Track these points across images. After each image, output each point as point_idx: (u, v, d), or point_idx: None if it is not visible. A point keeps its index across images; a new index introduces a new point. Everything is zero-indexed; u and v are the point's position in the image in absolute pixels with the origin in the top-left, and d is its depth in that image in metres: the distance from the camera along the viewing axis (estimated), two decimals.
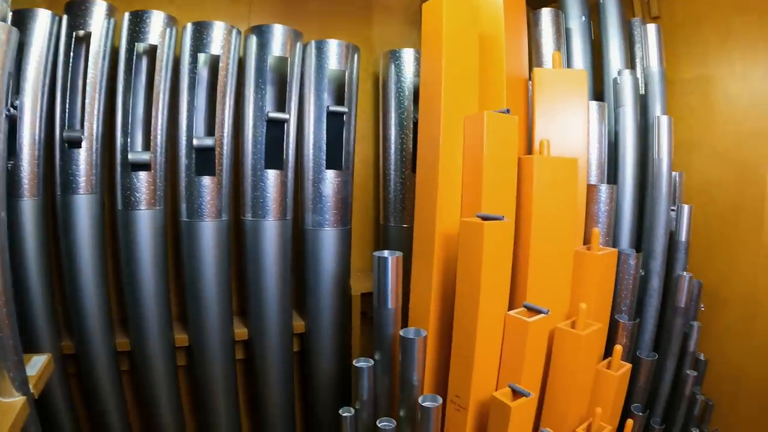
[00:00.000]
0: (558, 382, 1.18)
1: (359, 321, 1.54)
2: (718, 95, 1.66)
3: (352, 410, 1.25)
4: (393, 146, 1.54)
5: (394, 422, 1.20)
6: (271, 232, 1.41)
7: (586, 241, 1.35)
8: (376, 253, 1.17)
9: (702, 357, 1.54)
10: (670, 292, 1.46)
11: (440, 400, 1.12)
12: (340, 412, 1.23)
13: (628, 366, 1.25)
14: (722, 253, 1.66)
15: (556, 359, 1.17)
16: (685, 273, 1.42)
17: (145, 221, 1.35)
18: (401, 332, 1.14)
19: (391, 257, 1.16)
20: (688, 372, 1.41)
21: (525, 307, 1.14)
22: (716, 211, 1.67)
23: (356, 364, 1.21)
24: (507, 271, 1.12)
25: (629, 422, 1.23)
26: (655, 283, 1.43)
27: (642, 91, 1.65)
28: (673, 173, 1.54)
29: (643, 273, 1.43)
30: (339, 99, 1.48)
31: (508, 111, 1.13)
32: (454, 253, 1.14)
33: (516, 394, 1.08)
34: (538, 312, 1.11)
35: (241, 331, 1.46)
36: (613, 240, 1.43)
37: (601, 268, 1.24)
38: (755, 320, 1.61)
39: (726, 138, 1.64)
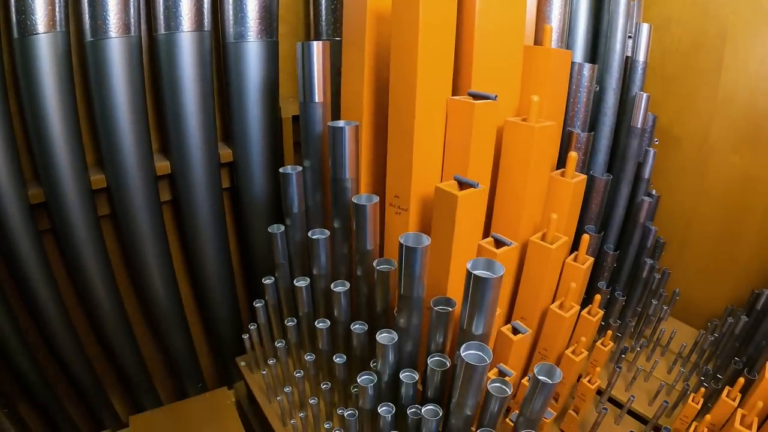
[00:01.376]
0: (509, 184, 1.07)
1: (291, 149, 1.38)
2: None
3: (282, 227, 1.12)
4: None
5: (328, 232, 1.07)
6: (187, 47, 1.20)
7: (537, 42, 1.22)
8: (299, 44, 1.01)
9: (654, 192, 1.48)
10: (626, 113, 1.36)
11: (376, 198, 1.00)
12: (269, 228, 1.10)
13: (583, 177, 1.15)
14: (678, 92, 1.58)
15: (507, 156, 1.06)
16: (642, 93, 1.32)
17: (45, 48, 1.11)
18: (330, 124, 0.99)
19: (316, 44, 1.00)
20: (643, 198, 1.35)
21: (470, 94, 1.01)
22: (674, 47, 1.58)
23: (283, 171, 1.07)
24: (449, 51, 0.98)
25: (597, 297, 1.16)
26: (611, 100, 1.33)
27: None
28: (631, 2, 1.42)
29: (597, 89, 1.33)
30: None
31: None
32: (388, 32, 0.98)
33: (463, 185, 0.97)
34: (485, 98, 0.99)
35: (162, 165, 1.28)
36: (566, 47, 1.31)
37: (554, 65, 1.12)
38: (708, 163, 1.56)
39: None
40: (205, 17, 1.22)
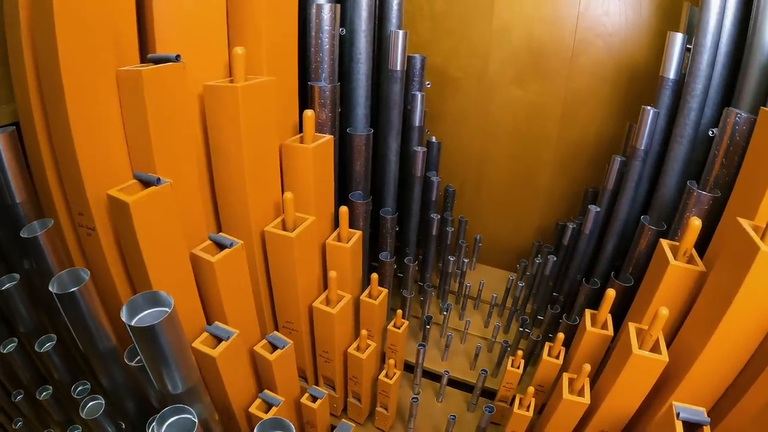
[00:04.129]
0: (223, 164, 0.83)
1: None
2: None
3: None
4: None
5: None
6: None
7: None
8: None
9: (434, 139, 1.36)
10: (383, 56, 1.19)
11: (50, 222, 0.69)
12: None
13: (327, 138, 0.95)
14: (451, 30, 1.45)
15: (215, 129, 0.81)
16: (398, 30, 1.14)
17: None
18: None
19: None
20: (415, 149, 1.20)
21: (150, 60, 0.73)
22: None
23: None
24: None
25: (374, 277, 0.99)
26: (362, 44, 1.14)
27: None
28: None
29: (343, 32, 1.13)
30: None
31: None
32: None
33: (147, 184, 0.70)
34: (165, 61, 0.71)
35: None
36: None
37: (270, 6, 0.87)
38: (491, 99, 1.46)
39: None
40: None
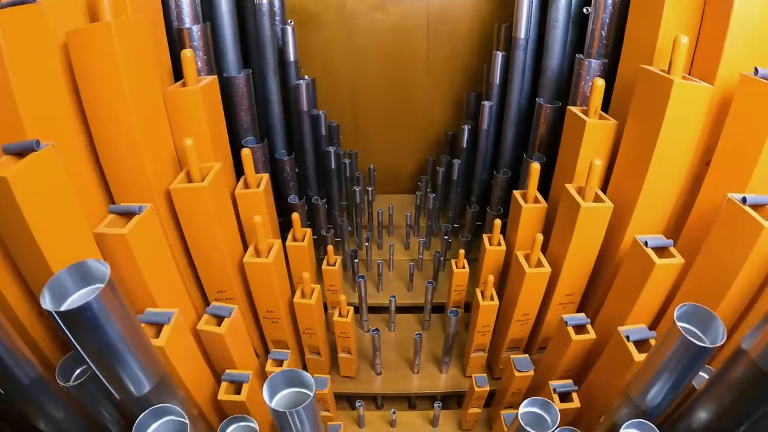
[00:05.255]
0: (105, 120, 0.65)
1: None
2: None
3: None
4: None
5: None
6: None
7: None
8: None
9: (306, 78, 1.26)
10: None
11: None
12: None
13: (211, 78, 0.82)
14: None
15: (86, 82, 0.63)
16: None
17: None
18: None
19: None
20: (298, 82, 1.09)
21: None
22: None
23: None
24: None
25: (295, 217, 0.88)
26: None
27: None
28: None
29: None
30: None
31: None
32: None
33: (21, 154, 0.51)
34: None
35: None
36: None
37: None
38: (353, 28, 1.39)
39: None
40: None
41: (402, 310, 1.15)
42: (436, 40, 1.39)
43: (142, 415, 0.48)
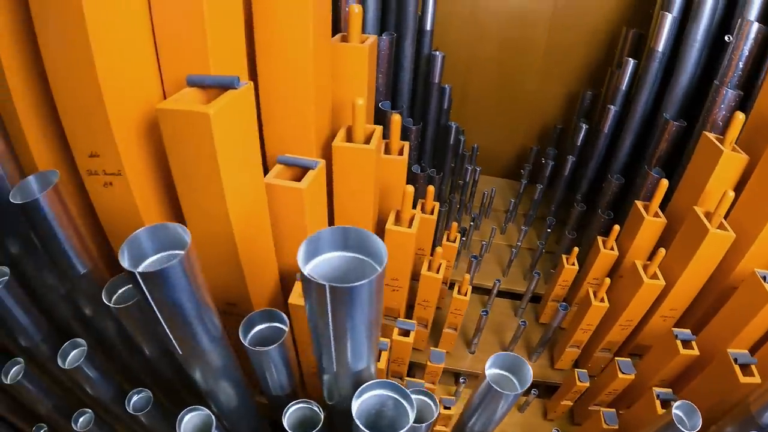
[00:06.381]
0: (279, 68, 0.73)
1: None
2: None
3: None
4: None
5: None
6: None
7: None
8: None
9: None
10: None
11: (55, 175, 0.58)
12: None
13: (373, 37, 0.86)
14: None
15: (265, 30, 0.68)
16: None
17: None
18: None
19: None
20: (435, 53, 1.15)
21: None
22: None
23: None
24: None
25: (429, 189, 0.95)
26: None
27: None
28: None
29: None
30: None
31: None
32: None
33: (209, 89, 0.57)
34: None
35: None
36: None
37: None
38: (478, 10, 1.42)
39: None
40: None
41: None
42: (557, 31, 1.41)
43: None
